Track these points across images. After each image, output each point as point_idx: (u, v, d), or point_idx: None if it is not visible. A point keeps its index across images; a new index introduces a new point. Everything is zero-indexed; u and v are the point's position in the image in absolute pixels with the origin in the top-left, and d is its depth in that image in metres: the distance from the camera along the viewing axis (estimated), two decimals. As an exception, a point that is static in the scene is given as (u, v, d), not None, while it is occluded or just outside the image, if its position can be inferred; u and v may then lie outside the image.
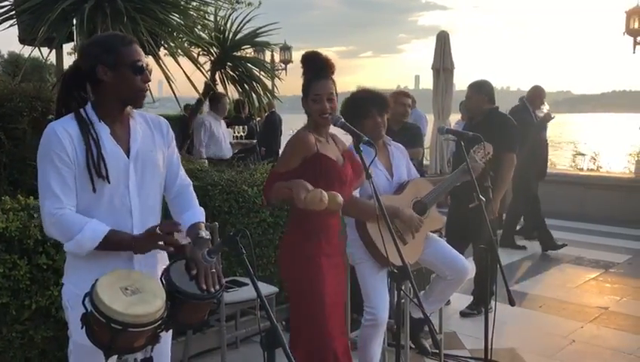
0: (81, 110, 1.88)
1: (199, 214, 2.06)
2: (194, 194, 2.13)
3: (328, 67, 2.46)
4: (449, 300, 4.13)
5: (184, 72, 4.54)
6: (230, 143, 6.65)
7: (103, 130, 1.87)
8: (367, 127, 2.93)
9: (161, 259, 2.05)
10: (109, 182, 1.83)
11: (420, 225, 2.96)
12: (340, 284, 2.65)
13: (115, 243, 1.82)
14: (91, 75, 1.87)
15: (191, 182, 2.15)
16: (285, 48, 14.37)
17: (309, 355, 2.41)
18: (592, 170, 10.63)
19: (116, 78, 1.85)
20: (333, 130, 2.57)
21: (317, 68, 2.46)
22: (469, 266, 3.20)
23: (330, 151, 2.51)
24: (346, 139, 2.58)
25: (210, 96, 6.10)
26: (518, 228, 7.29)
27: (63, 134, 1.80)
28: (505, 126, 4.13)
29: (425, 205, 3.09)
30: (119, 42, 1.89)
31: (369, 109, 2.99)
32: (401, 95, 4.61)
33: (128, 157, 1.90)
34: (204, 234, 1.93)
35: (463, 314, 4.36)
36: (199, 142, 6.24)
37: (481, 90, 4.25)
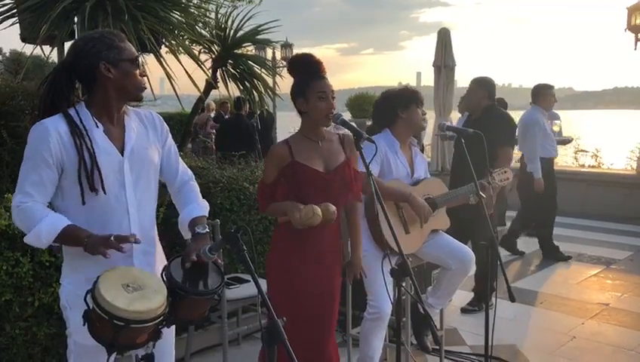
0: (72, 111, 1.86)
1: (200, 208, 2.06)
2: (196, 187, 2.13)
3: (323, 68, 2.46)
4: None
5: (185, 69, 4.55)
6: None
7: (95, 128, 1.86)
8: (416, 118, 3.14)
9: (160, 257, 2.06)
10: (105, 193, 1.83)
11: (430, 214, 3.00)
12: (329, 293, 2.57)
13: (71, 239, 1.80)
14: (90, 74, 1.85)
15: (193, 176, 2.15)
16: (286, 46, 14.36)
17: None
18: (593, 166, 10.62)
19: (119, 74, 1.85)
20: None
21: (313, 68, 2.45)
22: (473, 255, 3.21)
23: (316, 156, 2.46)
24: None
25: (533, 90, 5.79)
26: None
27: (52, 135, 1.79)
28: (502, 121, 4.17)
29: (435, 203, 3.12)
30: (117, 38, 1.89)
31: (415, 103, 3.14)
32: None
33: (122, 154, 1.90)
34: (201, 228, 1.94)
35: (464, 311, 4.38)
36: (533, 142, 5.56)
37: (483, 86, 4.28)
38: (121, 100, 1.91)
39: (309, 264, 2.49)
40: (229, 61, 5.44)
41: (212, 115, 11.04)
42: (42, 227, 1.77)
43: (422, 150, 4.48)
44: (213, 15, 5.30)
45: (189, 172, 2.15)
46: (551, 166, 5.83)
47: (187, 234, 2.02)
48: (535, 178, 5.62)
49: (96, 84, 1.87)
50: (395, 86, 4.25)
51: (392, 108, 3.15)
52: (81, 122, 1.84)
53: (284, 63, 14.14)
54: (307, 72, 2.46)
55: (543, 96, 5.75)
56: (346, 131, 2.52)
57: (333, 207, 2.37)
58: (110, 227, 1.87)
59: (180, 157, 2.13)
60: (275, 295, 2.49)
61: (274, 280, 2.55)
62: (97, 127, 1.87)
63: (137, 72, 1.89)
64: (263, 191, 2.55)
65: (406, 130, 3.16)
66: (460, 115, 7.42)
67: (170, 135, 2.09)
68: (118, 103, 1.91)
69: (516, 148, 6.47)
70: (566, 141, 6.96)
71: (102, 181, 1.82)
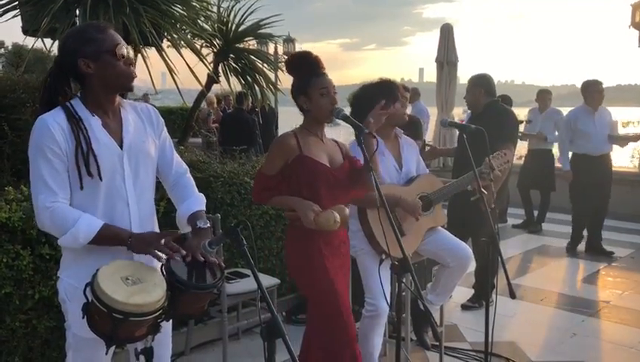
0: (68, 104, 1.85)
1: (198, 202, 2.05)
2: (192, 181, 2.12)
3: (322, 64, 2.45)
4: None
5: (187, 63, 4.54)
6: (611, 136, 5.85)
7: (95, 123, 1.86)
8: (395, 112, 3.03)
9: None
10: (101, 179, 1.82)
11: (419, 210, 2.97)
12: (348, 282, 2.61)
13: (109, 238, 1.81)
14: (74, 70, 1.84)
15: (187, 169, 2.14)
16: (289, 40, 14.30)
17: (329, 355, 2.41)
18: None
19: (100, 68, 1.82)
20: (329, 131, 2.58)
21: (312, 65, 2.45)
22: (471, 252, 3.20)
23: (321, 151, 2.47)
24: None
25: (581, 87, 5.91)
26: (519, 221, 7.30)
27: (54, 126, 1.78)
28: (502, 117, 4.14)
29: (430, 201, 3.10)
30: (95, 31, 1.85)
31: (391, 100, 3.02)
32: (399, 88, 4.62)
33: (121, 148, 1.90)
34: (202, 223, 1.93)
35: (464, 307, 4.38)
36: (560, 138, 6.05)
37: (478, 83, 4.26)
38: (109, 93, 1.89)
39: (330, 258, 2.48)
40: (231, 55, 5.44)
41: (212, 109, 11.03)
42: (80, 228, 1.77)
43: (423, 147, 4.44)
44: (215, 9, 5.29)
45: (184, 165, 2.14)
46: (582, 162, 5.82)
47: (185, 229, 2.02)
48: (563, 170, 6.08)
49: (83, 79, 1.86)
50: (397, 82, 4.19)
51: (368, 108, 2.95)
52: (78, 114, 1.84)
53: (286, 58, 14.10)
54: (307, 70, 2.45)
55: (589, 93, 5.85)
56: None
57: (347, 209, 2.38)
58: (111, 221, 1.87)
59: (174, 151, 2.12)
60: (314, 295, 2.49)
61: (309, 284, 2.51)
62: (93, 115, 1.86)
63: (121, 61, 1.85)
64: (260, 181, 2.52)
65: (386, 127, 3.04)
66: (462, 110, 7.40)
67: (165, 128, 2.08)
68: (107, 96, 1.89)
69: (519, 143, 6.38)
70: (626, 138, 6.31)
71: (98, 166, 1.82)
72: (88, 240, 1.79)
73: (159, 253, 1.80)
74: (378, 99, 2.99)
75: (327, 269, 2.44)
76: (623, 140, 6.08)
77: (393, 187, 3.01)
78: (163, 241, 1.81)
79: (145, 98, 11.24)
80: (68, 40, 1.87)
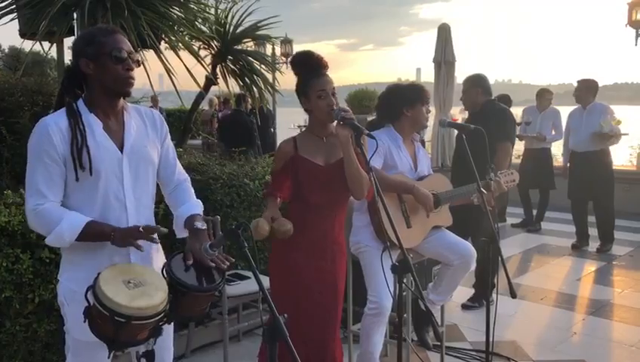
0: (73, 103, 1.87)
1: (195, 206, 2.06)
2: (191, 188, 2.13)
3: (323, 65, 2.47)
4: (450, 293, 4.15)
5: (185, 65, 4.53)
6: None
7: (96, 124, 1.86)
8: (421, 117, 3.15)
9: (159, 255, 2.05)
10: (91, 174, 1.82)
11: (433, 204, 3.02)
12: (332, 289, 2.57)
13: (95, 235, 1.81)
14: (79, 71, 1.87)
15: (188, 177, 2.15)
16: (286, 41, 14.29)
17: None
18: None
19: (98, 69, 1.84)
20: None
21: (313, 66, 2.46)
22: (474, 250, 3.21)
23: (317, 151, 2.50)
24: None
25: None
26: (518, 221, 7.30)
27: (53, 130, 1.79)
28: (500, 116, 4.16)
29: (439, 200, 3.11)
30: (99, 33, 1.87)
31: (421, 102, 3.16)
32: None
33: (122, 152, 1.90)
34: (200, 225, 1.95)
35: (465, 307, 4.38)
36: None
37: (475, 83, 4.28)
38: (107, 96, 1.89)
39: (310, 258, 2.49)
40: (229, 57, 5.43)
41: (216, 111, 11.03)
42: (64, 226, 1.77)
43: (422, 145, 4.47)
44: (212, 11, 5.28)
45: (185, 173, 2.16)
46: (571, 158, 6.27)
47: (181, 233, 2.02)
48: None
49: (86, 80, 1.89)
50: (395, 82, 4.21)
51: (398, 105, 3.14)
52: (78, 111, 1.85)
53: (284, 59, 14.13)
54: (307, 70, 2.48)
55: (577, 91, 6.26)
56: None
57: (287, 227, 2.37)
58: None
59: (177, 158, 2.13)
60: (276, 292, 2.51)
61: (274, 277, 2.58)
62: (94, 117, 1.87)
63: (119, 66, 1.85)
64: (271, 178, 2.64)
65: (410, 127, 3.17)
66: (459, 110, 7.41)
67: (169, 135, 2.09)
68: (106, 99, 1.89)
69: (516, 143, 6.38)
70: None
71: (90, 162, 1.81)
72: (74, 239, 1.79)
73: (139, 243, 1.79)
74: (413, 100, 3.11)
75: (302, 268, 2.46)
76: (607, 139, 6.04)
77: (407, 178, 3.08)
78: (141, 228, 1.79)
79: (154, 100, 11.01)
80: (77, 41, 1.92)
